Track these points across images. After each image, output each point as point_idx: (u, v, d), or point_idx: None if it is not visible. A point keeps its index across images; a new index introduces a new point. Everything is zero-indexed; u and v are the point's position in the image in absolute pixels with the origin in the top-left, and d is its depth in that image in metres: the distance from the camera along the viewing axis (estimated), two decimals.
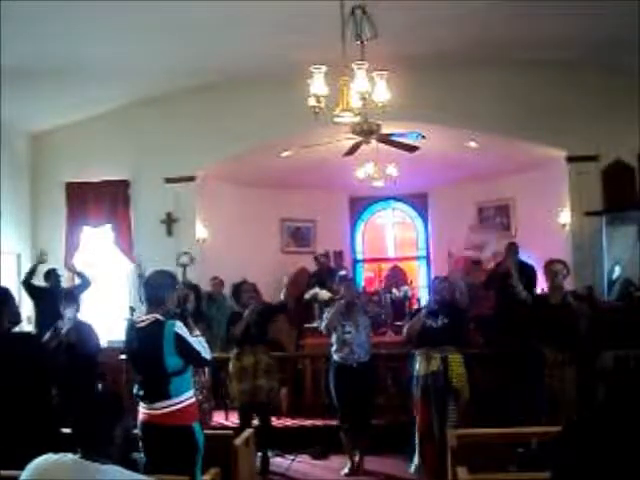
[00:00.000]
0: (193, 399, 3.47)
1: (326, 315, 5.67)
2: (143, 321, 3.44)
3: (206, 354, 3.45)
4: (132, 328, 3.52)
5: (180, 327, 3.38)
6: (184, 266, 8.14)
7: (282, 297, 6.05)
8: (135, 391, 3.49)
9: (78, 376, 4.78)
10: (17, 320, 3.60)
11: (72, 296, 5.80)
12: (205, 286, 8.27)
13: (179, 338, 3.33)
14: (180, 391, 3.38)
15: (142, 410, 3.42)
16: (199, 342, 3.43)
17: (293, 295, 8.47)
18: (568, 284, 5.87)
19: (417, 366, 5.33)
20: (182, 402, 3.37)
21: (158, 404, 3.35)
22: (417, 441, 5.29)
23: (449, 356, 5.24)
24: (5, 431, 3.11)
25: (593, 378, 5.37)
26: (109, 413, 2.41)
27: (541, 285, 6.75)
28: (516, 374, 5.81)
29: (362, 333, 5.54)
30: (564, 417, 4.74)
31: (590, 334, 5.18)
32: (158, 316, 3.41)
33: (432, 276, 9.64)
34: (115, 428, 2.39)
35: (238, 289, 5.89)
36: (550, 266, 5.42)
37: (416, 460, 5.31)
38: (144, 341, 3.39)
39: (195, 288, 7.00)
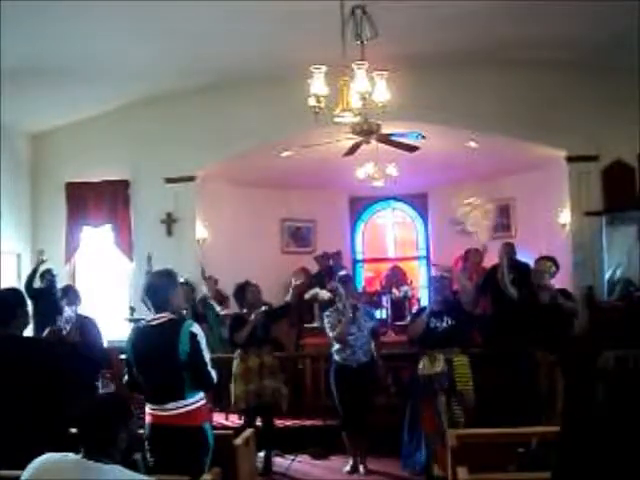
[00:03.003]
0: (204, 400, 3.43)
1: (329, 320, 5.62)
2: (156, 320, 3.39)
3: (214, 376, 3.39)
4: (139, 328, 3.49)
5: (197, 329, 3.33)
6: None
7: (289, 298, 6.02)
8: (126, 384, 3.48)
9: (81, 376, 4.76)
10: (27, 322, 3.59)
11: (74, 293, 5.77)
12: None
13: (194, 340, 3.27)
14: (194, 392, 3.33)
15: (151, 411, 3.37)
16: (211, 362, 3.39)
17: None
18: (562, 282, 5.86)
19: (420, 366, 5.32)
20: (196, 403, 3.33)
21: (171, 404, 3.29)
22: (424, 440, 5.28)
23: (454, 358, 5.23)
24: (13, 433, 3.10)
25: (593, 378, 5.37)
26: (114, 415, 2.42)
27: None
28: (511, 374, 5.82)
29: (365, 336, 5.56)
30: (557, 418, 4.75)
31: (589, 334, 5.19)
32: (171, 315, 3.39)
33: (432, 275, 9.59)
34: (120, 430, 2.39)
35: (242, 290, 5.84)
36: (536, 265, 5.42)
37: (423, 458, 5.29)
38: (159, 339, 3.32)
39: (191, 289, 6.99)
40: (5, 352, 3.26)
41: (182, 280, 7.21)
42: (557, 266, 5.44)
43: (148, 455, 3.32)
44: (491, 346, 6.52)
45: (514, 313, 5.53)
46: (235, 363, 5.72)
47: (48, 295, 7.06)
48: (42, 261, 7.72)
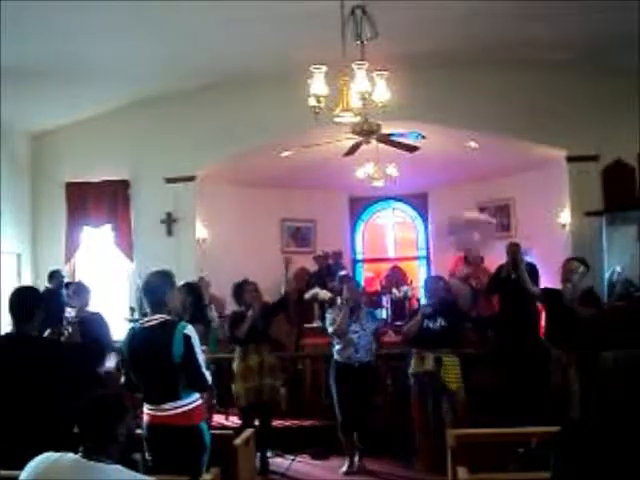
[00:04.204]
0: (200, 400, 3.44)
1: (331, 317, 5.63)
2: (150, 321, 3.40)
3: (208, 377, 3.40)
4: (135, 329, 3.50)
5: (191, 331, 3.32)
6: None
7: (282, 291, 6.04)
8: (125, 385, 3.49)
9: (84, 375, 4.75)
10: (40, 324, 3.58)
11: (80, 291, 5.74)
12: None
13: (188, 343, 3.27)
14: (189, 392, 3.34)
15: (148, 411, 3.39)
16: (206, 362, 3.41)
17: (293, 295, 8.47)
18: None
19: (411, 364, 5.40)
20: (192, 403, 3.34)
21: (167, 405, 3.30)
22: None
23: (443, 357, 5.28)
24: (24, 433, 3.09)
25: (593, 378, 5.37)
26: (111, 411, 2.42)
27: (547, 283, 6.75)
28: (521, 374, 5.82)
29: (367, 336, 5.56)
30: (565, 418, 4.74)
31: (591, 334, 5.17)
32: (166, 316, 3.39)
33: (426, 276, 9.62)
34: (118, 426, 2.39)
35: (240, 288, 5.86)
36: (566, 264, 5.39)
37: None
38: (152, 341, 3.33)
39: (195, 289, 6.96)
40: (20, 351, 3.25)
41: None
42: (587, 266, 5.39)
43: (146, 455, 3.33)
44: (498, 346, 6.53)
45: (534, 313, 5.54)
46: (235, 362, 5.75)
47: (55, 296, 7.03)
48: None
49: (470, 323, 6.88)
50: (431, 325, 5.37)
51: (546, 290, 5.70)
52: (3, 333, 3.58)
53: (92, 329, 5.17)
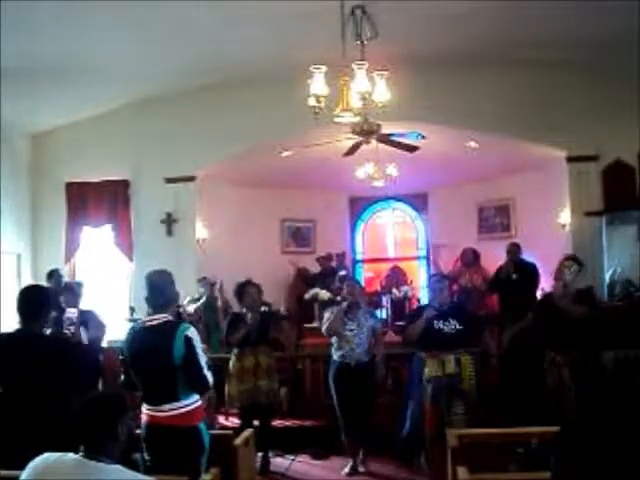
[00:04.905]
0: (200, 401, 3.44)
1: (327, 316, 5.63)
2: (152, 321, 3.40)
3: (210, 378, 3.39)
4: (135, 329, 3.50)
5: (193, 332, 3.32)
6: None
7: (282, 311, 6.04)
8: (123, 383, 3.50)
9: (85, 375, 4.75)
10: (47, 323, 3.58)
11: (74, 293, 5.75)
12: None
13: (189, 344, 3.27)
14: (188, 393, 3.34)
15: (147, 412, 3.38)
16: (207, 363, 3.40)
17: (292, 296, 8.50)
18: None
19: (427, 369, 5.18)
20: (191, 404, 3.34)
21: (166, 406, 3.30)
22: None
23: (462, 358, 5.16)
24: (25, 433, 3.08)
25: (592, 379, 5.37)
26: (112, 410, 2.42)
27: (545, 283, 6.75)
28: (520, 373, 5.82)
29: (364, 333, 5.53)
30: (564, 418, 4.74)
31: (590, 334, 5.16)
32: (169, 317, 3.39)
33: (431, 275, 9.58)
34: (118, 426, 2.39)
35: (242, 289, 5.85)
36: (560, 264, 5.39)
37: (423, 459, 5.30)
38: (153, 341, 3.32)
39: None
40: (26, 350, 3.25)
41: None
42: (579, 264, 5.37)
43: (145, 455, 3.33)
44: (499, 345, 6.52)
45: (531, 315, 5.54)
46: (231, 362, 5.74)
47: (54, 295, 7.00)
48: None
49: (483, 324, 6.87)
50: (445, 328, 5.14)
51: (540, 302, 5.66)
52: (8, 331, 3.57)
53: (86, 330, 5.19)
